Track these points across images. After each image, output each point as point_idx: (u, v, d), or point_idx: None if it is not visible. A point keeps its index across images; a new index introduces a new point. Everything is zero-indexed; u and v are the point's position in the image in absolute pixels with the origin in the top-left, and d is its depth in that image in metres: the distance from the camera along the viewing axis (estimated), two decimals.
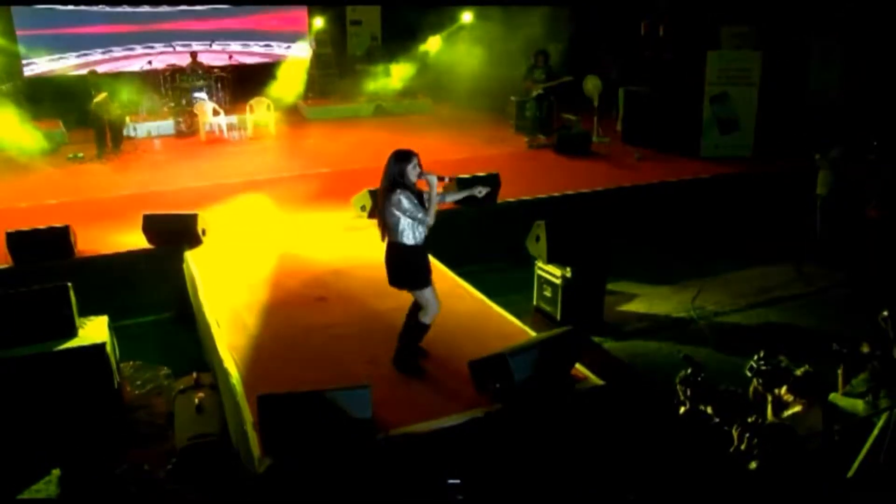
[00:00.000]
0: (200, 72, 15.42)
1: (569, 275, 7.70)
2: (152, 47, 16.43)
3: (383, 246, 5.42)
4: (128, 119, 13.98)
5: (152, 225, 8.10)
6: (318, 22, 17.55)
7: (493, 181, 9.53)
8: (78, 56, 15.95)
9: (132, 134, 14.11)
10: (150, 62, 15.71)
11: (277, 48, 17.77)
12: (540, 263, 8.06)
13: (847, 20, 14.83)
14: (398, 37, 17.31)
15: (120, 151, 13.18)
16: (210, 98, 15.10)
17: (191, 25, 16.72)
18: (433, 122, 15.55)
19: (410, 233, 5.19)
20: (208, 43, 16.60)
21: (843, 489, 4.74)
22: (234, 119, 14.86)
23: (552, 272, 7.88)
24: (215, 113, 14.60)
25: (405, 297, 5.56)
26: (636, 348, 7.69)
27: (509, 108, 15.10)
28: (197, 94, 14.92)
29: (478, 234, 9.58)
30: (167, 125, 14.94)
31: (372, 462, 4.32)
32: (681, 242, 10.36)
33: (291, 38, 17.72)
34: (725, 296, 9.05)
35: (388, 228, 5.24)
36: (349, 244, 8.24)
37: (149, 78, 15.58)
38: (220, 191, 10.58)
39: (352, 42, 18.54)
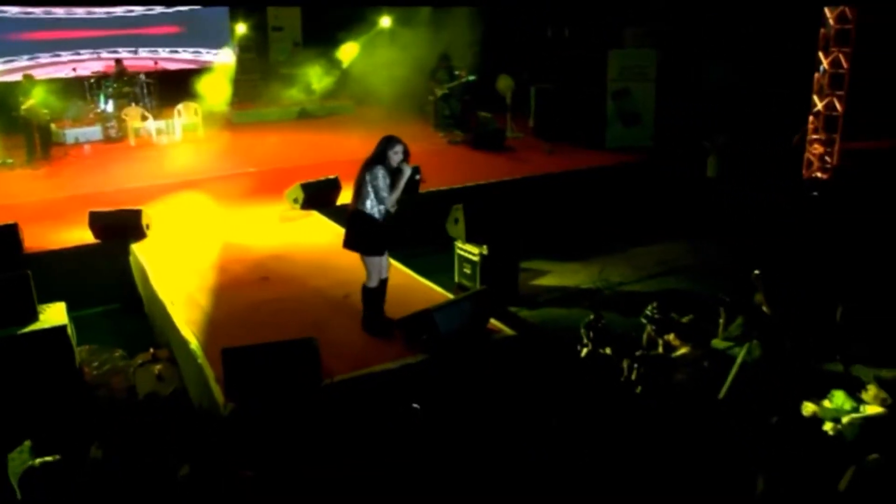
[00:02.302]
0: (126, 78, 15.79)
1: (486, 252, 8.58)
2: (79, 53, 16.68)
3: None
4: (53, 125, 14.26)
5: (98, 221, 8.66)
6: (241, 28, 18.08)
7: (414, 174, 10.37)
8: (3, 63, 16.10)
9: (62, 140, 14.40)
10: (74, 69, 16.00)
11: (203, 55, 18.20)
12: (459, 243, 8.93)
13: (738, 21, 16.25)
14: (319, 42, 17.93)
15: (49, 157, 13.47)
16: (137, 103, 15.49)
17: (116, 32, 17.03)
18: (355, 123, 16.19)
19: (372, 205, 5.98)
20: (134, 50, 16.93)
21: (714, 407, 5.77)
22: (162, 123, 15.29)
23: (470, 251, 8.75)
24: (143, 118, 15.02)
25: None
26: (548, 315, 8.62)
27: (427, 107, 15.99)
28: (110, 102, 15.23)
29: (403, 222, 10.36)
30: (94, 131, 15.21)
31: (319, 403, 5.10)
32: (588, 224, 11.40)
33: (215, 44, 18.16)
34: (628, 269, 10.10)
35: (357, 196, 6.04)
36: (285, 233, 8.98)
37: (74, 84, 15.85)
38: (157, 190, 11.05)
39: (274, 48, 19.11)
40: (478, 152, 13.91)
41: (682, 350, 6.42)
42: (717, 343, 7.04)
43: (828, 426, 5.41)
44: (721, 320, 7.18)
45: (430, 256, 9.85)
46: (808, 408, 5.57)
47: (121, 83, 15.62)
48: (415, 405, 4.78)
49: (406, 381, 5.43)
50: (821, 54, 12.85)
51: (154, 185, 11.40)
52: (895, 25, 13.50)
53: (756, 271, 7.37)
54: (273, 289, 7.23)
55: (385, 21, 17.67)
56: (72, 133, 14.94)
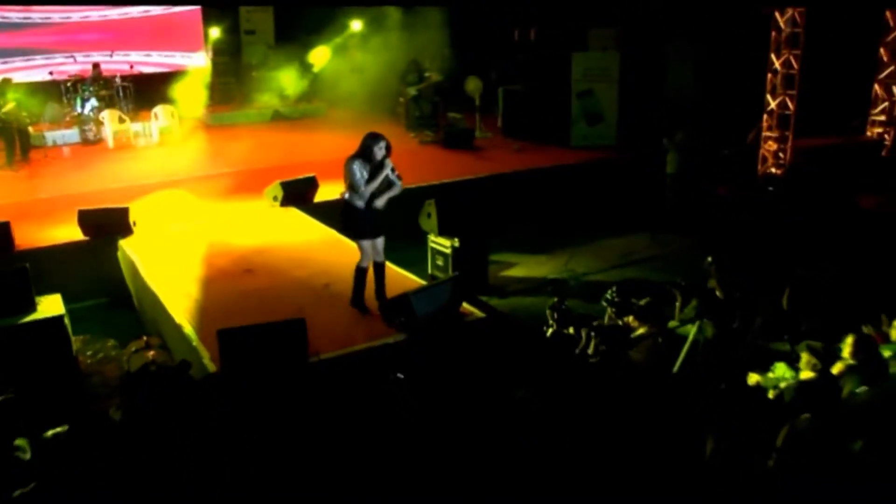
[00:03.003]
0: (102, 81, 16.08)
1: (457, 244, 9.09)
2: (52, 58, 16.92)
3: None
4: (31, 128, 14.51)
5: (87, 219, 9.04)
6: (215, 32, 18.42)
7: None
8: None
9: (42, 142, 14.67)
10: (51, 73, 16.27)
11: (178, 58, 18.51)
12: (432, 237, 9.43)
13: (699, 27, 17.00)
14: (292, 45, 18.32)
15: (28, 159, 13.76)
16: (114, 107, 15.79)
17: (92, 37, 17.31)
18: (329, 124, 16.66)
19: (352, 195, 6.57)
20: (109, 53, 17.21)
21: (667, 380, 6.32)
22: (139, 126, 15.61)
23: (443, 243, 9.26)
24: (121, 120, 15.34)
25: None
26: (516, 304, 9.17)
27: (398, 109, 16.49)
28: (88, 105, 15.51)
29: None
30: (72, 134, 15.50)
31: (307, 377, 5.57)
32: (555, 219, 11.97)
33: (189, 47, 18.50)
34: (593, 260, 10.69)
35: (345, 187, 6.64)
36: (267, 228, 9.42)
37: (51, 88, 16.11)
38: (138, 190, 11.40)
39: (247, 51, 19.45)
40: (448, 151, 14.42)
41: (640, 330, 6.98)
42: (674, 324, 7.60)
43: (770, 394, 5.99)
44: (677, 304, 7.74)
45: (405, 250, 10.31)
46: (753, 378, 6.14)
47: (97, 86, 15.90)
48: (399, 374, 5.26)
49: (386, 359, 5.91)
50: (773, 56, 13.55)
51: (136, 185, 11.75)
52: (842, 28, 14.31)
53: (709, 258, 7.97)
54: (258, 280, 7.69)
55: (356, 25, 18.09)
56: (50, 136, 15.20)
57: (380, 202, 6.68)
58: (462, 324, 6.53)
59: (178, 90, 16.34)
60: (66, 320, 7.27)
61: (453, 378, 5.97)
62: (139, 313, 8.31)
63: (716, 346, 7.12)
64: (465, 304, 6.80)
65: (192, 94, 16.61)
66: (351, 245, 8.29)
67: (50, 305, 7.34)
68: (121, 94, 16.36)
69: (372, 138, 6.58)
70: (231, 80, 18.73)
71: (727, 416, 5.53)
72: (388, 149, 6.65)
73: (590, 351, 6.21)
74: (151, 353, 6.98)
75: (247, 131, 16.40)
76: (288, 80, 17.80)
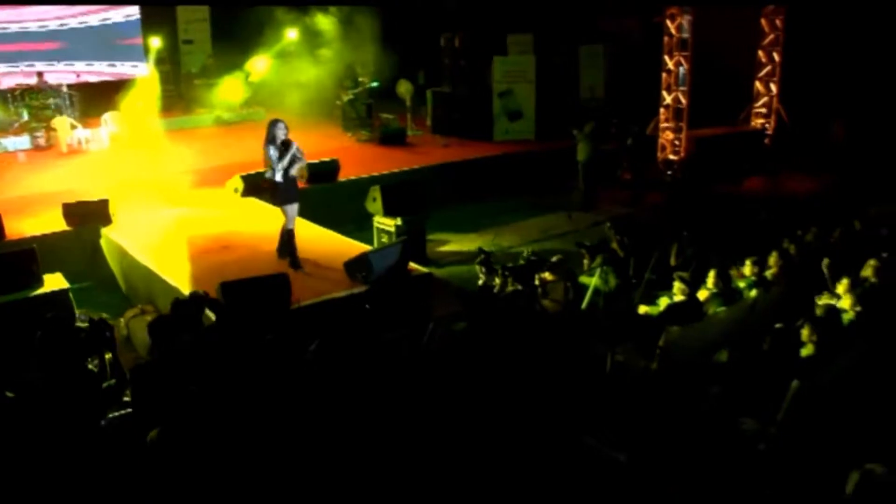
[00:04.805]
0: (48, 90, 16.97)
1: (400, 223, 10.56)
2: None
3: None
4: None
5: (71, 210, 10.19)
6: (156, 42, 19.41)
7: (333, 165, 12.36)
8: None
9: None
10: None
11: (119, 67, 19.45)
12: (378, 218, 10.88)
13: (610, 32, 18.95)
14: (230, 53, 19.40)
15: None
16: (61, 114, 16.69)
17: (36, 46, 18.14)
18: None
19: (272, 172, 8.22)
20: (53, 63, 18.07)
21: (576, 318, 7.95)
22: (89, 132, 16.56)
23: (387, 223, 10.71)
24: (73, 126, 16.28)
25: None
26: (451, 272, 10.69)
27: (335, 111, 17.86)
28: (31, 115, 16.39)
29: (326, 206, 12.22)
30: (23, 140, 16.32)
31: (291, 319, 6.97)
32: (482, 203, 13.60)
33: (132, 57, 19.47)
34: (516, 237, 12.30)
35: (265, 166, 8.37)
36: (232, 215, 10.78)
37: None
38: (106, 189, 12.48)
39: (186, 60, 20.50)
40: (384, 148, 15.89)
41: (554, 283, 8.59)
42: (583, 278, 9.23)
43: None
44: (585, 261, 9.38)
45: (353, 234, 11.76)
46: (642, 308, 7.82)
47: (44, 95, 16.80)
48: (366, 305, 6.72)
49: (352, 305, 7.38)
50: (666, 58, 15.45)
51: (100, 183, 12.79)
52: (726, 33, 16.37)
53: (608, 224, 9.66)
54: (235, 253, 9.05)
55: (292, 34, 19.32)
56: (3, 142, 16.04)
57: (293, 171, 8.36)
58: (410, 277, 8.05)
59: (125, 98, 17.28)
60: (71, 294, 8.48)
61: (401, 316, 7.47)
62: (128, 290, 9.52)
63: (617, 291, 8.80)
64: (411, 263, 8.32)
65: (139, 101, 17.56)
66: (301, 222, 9.71)
67: (54, 281, 8.56)
68: (67, 102, 17.23)
69: (273, 124, 8.37)
70: (172, 88, 19.75)
71: (619, 335, 7.21)
72: (286, 128, 8.32)
73: (508, 289, 7.79)
74: (149, 317, 8.24)
75: (191, 136, 17.46)
76: (228, 87, 18.91)
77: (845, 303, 6.96)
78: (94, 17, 18.97)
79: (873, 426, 5.58)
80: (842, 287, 7.03)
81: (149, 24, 19.59)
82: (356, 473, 4.83)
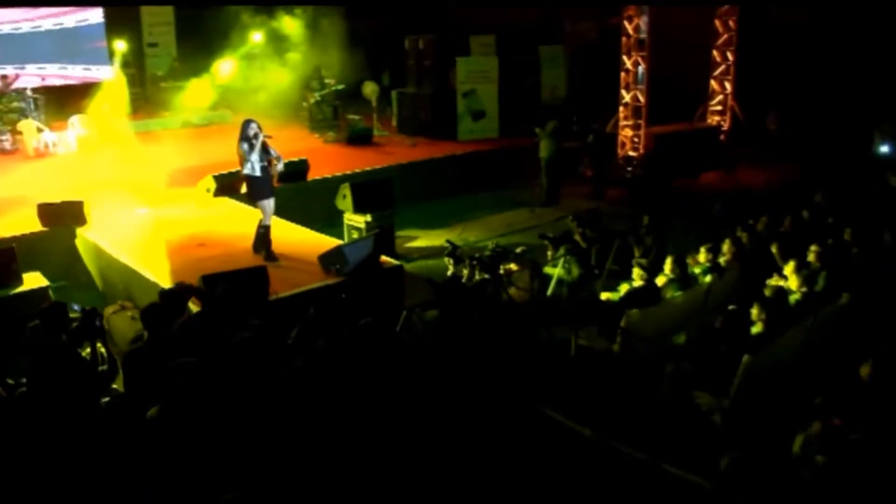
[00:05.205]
0: (13, 93, 16.99)
1: (370, 219, 10.88)
2: None
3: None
4: None
5: (46, 211, 10.31)
6: (121, 45, 19.46)
7: (303, 165, 12.63)
8: None
9: None
10: None
11: (83, 70, 19.49)
12: (348, 215, 11.19)
13: (570, 34, 19.45)
14: (196, 57, 19.53)
15: None
16: (26, 118, 16.72)
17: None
18: (235, 131, 18.00)
19: (247, 166, 8.62)
20: (21, 66, 18.08)
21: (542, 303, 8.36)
22: (56, 136, 16.60)
23: (357, 220, 11.03)
24: (39, 129, 16.32)
25: None
26: (421, 266, 11.04)
27: (302, 113, 18.11)
28: None
29: (297, 205, 12.49)
30: None
31: (268, 310, 7.26)
32: (449, 200, 13.97)
33: (97, 60, 19.52)
34: (482, 231, 12.70)
35: (241, 164, 8.76)
36: (206, 214, 10.99)
37: None
38: (77, 191, 12.60)
39: (151, 63, 20.63)
40: (351, 148, 16.20)
41: (519, 273, 8.99)
42: (547, 268, 9.64)
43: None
44: (549, 252, 9.79)
45: (323, 231, 12.05)
46: (604, 295, 8.25)
47: (8, 98, 16.82)
48: (343, 294, 7.04)
49: (328, 296, 7.68)
50: (625, 57, 15.96)
51: (70, 186, 12.89)
52: (682, 33, 16.96)
53: (570, 217, 10.09)
54: (210, 251, 9.30)
55: (257, 37, 19.48)
56: None
57: (280, 166, 8.98)
58: (381, 270, 8.39)
59: (93, 100, 17.34)
60: (50, 291, 8.67)
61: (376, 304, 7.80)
62: (105, 288, 9.72)
63: (580, 280, 9.22)
64: (383, 256, 8.65)
65: (107, 103, 17.63)
66: (274, 219, 9.96)
67: (33, 280, 8.74)
68: (32, 105, 17.24)
69: (245, 123, 8.84)
70: (139, 91, 19.82)
71: (584, 317, 7.64)
72: (259, 126, 8.78)
73: (476, 279, 8.19)
74: (129, 312, 8.46)
75: (159, 139, 17.54)
76: (195, 90, 19.02)
77: (792, 284, 7.43)
78: (54, 20, 18.99)
79: (818, 395, 6.01)
80: (788, 269, 7.51)
81: (113, 27, 19.65)
82: (338, 445, 5.16)
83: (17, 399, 4.99)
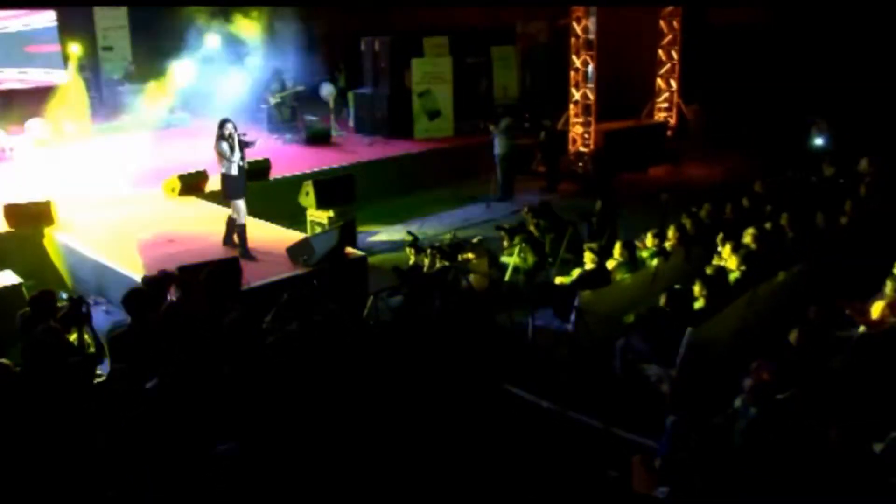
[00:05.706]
0: None
1: (332, 215, 11.26)
2: None
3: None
4: None
5: (12, 212, 10.50)
6: (75, 48, 19.49)
7: (264, 164, 12.98)
8: None
9: None
10: None
11: (36, 74, 19.48)
12: (311, 211, 11.56)
13: (522, 35, 20.01)
14: (151, 60, 19.64)
15: None
16: None
17: None
18: (195, 133, 18.18)
19: (226, 165, 8.92)
20: None
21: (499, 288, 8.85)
22: (12, 139, 16.62)
23: (320, 216, 11.40)
24: None
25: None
26: (382, 259, 11.46)
27: (261, 114, 18.38)
28: None
29: (260, 203, 12.76)
30: None
31: (242, 299, 7.61)
32: (407, 196, 14.42)
33: (50, 64, 19.53)
34: (440, 226, 13.14)
35: (219, 162, 9.01)
36: (173, 212, 11.26)
37: None
38: (39, 193, 12.75)
39: (106, 67, 20.67)
40: (310, 148, 16.53)
41: (477, 261, 9.47)
42: (503, 257, 10.14)
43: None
44: (504, 242, 10.28)
45: (288, 228, 12.42)
46: (558, 279, 8.77)
47: None
48: (314, 281, 7.44)
49: (297, 284, 8.05)
50: (574, 57, 16.56)
51: (32, 188, 13.00)
52: (629, 34, 17.63)
53: (525, 208, 10.61)
54: (180, 246, 9.60)
55: (213, 40, 19.63)
56: None
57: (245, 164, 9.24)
58: (347, 261, 8.82)
59: (48, 105, 17.40)
60: (24, 288, 8.89)
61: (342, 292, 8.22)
62: (76, 286, 9.94)
63: (535, 267, 9.74)
64: (347, 247, 9.08)
65: (61, 108, 17.69)
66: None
67: (6, 277, 8.95)
68: None
69: (221, 122, 9.14)
70: (94, 95, 19.85)
71: (541, 298, 8.14)
72: (235, 126, 9.11)
73: (437, 266, 8.65)
74: (102, 307, 8.76)
75: (118, 142, 17.61)
76: (152, 93, 19.14)
77: (731, 264, 8.02)
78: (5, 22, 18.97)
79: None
80: (725, 251, 8.10)
81: (66, 31, 19.65)
82: (313, 416, 5.58)
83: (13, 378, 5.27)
